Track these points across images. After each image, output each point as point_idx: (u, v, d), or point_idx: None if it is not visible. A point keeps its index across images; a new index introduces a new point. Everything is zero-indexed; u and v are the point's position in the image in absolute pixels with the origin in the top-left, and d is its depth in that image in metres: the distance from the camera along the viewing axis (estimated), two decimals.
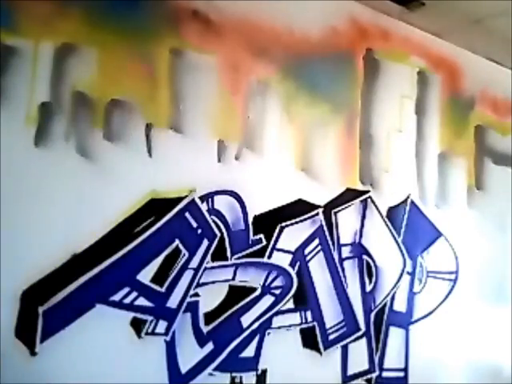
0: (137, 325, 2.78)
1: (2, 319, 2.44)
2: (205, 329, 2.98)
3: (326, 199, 3.45)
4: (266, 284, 3.16)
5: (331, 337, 3.41)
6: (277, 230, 3.22)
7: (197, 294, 2.93)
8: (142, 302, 2.79)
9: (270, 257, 3.18)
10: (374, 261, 3.63)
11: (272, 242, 3.19)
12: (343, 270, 3.48)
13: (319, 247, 3.33)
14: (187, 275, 2.92)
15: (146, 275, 2.81)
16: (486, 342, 4.09)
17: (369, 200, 3.66)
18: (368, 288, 3.60)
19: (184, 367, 2.90)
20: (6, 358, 2.44)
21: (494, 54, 4.33)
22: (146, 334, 2.79)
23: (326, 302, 3.39)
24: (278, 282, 3.20)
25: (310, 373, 3.29)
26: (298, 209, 3.32)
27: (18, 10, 2.56)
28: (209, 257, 2.97)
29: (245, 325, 3.08)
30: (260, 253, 3.15)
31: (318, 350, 3.35)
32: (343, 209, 3.54)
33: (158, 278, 2.85)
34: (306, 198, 3.36)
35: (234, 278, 3.05)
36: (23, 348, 2.49)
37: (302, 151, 3.37)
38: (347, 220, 3.55)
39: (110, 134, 2.78)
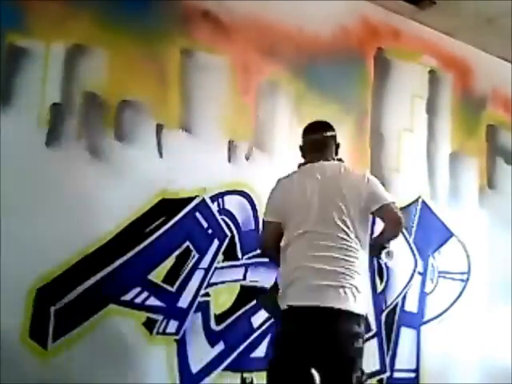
0: (148, 324, 2.79)
1: (14, 319, 2.45)
2: (216, 328, 2.98)
3: None
4: None
5: None
6: None
7: (207, 294, 2.94)
8: (153, 301, 2.80)
9: None
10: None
11: None
12: None
13: None
14: (198, 275, 2.93)
15: (157, 275, 2.82)
16: (498, 343, 4.06)
17: None
18: (379, 288, 3.59)
19: (195, 367, 2.90)
20: (19, 357, 2.46)
21: (505, 53, 4.30)
22: (157, 333, 2.80)
23: None
24: None
25: None
26: None
27: (29, 12, 2.58)
28: (219, 257, 2.98)
29: (255, 325, 3.08)
30: None
31: None
32: None
33: (169, 277, 2.86)
34: None
35: (244, 278, 3.06)
36: (35, 347, 2.51)
37: None
38: None
39: (120, 135, 2.79)
